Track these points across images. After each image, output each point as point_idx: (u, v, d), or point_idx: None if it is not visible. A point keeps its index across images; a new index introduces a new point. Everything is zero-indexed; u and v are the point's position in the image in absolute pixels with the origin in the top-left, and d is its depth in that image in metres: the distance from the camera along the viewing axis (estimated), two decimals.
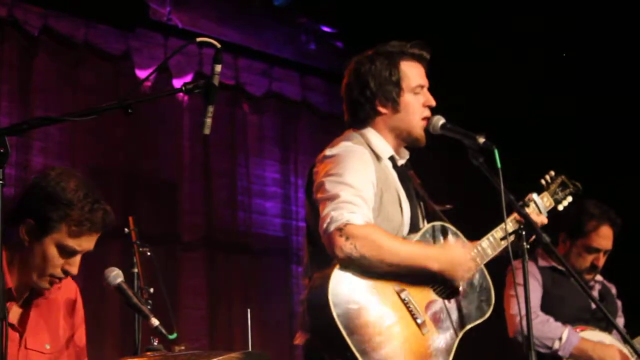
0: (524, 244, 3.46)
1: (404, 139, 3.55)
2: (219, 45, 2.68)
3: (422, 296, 3.33)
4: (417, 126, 3.52)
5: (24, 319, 3.12)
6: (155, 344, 3.04)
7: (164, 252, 5.66)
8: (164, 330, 3.03)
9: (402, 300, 3.28)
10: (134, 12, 5.77)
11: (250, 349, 3.51)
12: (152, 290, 3.40)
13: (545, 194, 3.94)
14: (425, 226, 3.49)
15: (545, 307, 4.76)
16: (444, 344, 3.35)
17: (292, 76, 6.76)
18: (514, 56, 6.43)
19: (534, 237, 3.52)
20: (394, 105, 3.48)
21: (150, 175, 5.92)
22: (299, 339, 3.36)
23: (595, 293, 4.93)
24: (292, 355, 5.81)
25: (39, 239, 3.03)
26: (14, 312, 3.09)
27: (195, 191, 6.10)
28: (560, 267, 4.81)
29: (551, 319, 4.69)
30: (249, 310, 3.66)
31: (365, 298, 3.20)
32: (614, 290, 5.11)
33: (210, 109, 2.71)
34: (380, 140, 3.49)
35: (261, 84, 6.57)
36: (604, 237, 4.88)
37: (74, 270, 3.10)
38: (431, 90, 3.56)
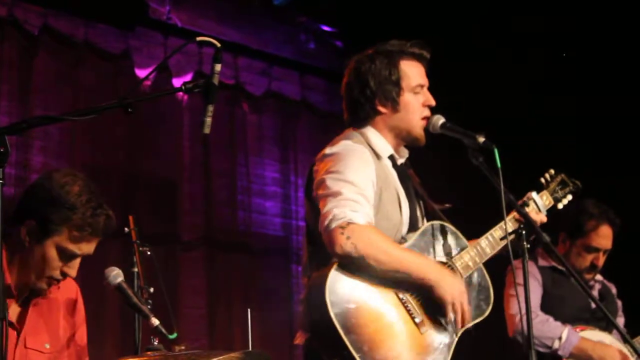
0: (524, 243, 3.46)
1: (404, 138, 3.55)
2: (218, 45, 2.68)
3: (420, 295, 3.32)
4: (416, 125, 3.52)
5: (22, 318, 3.12)
6: (156, 343, 3.04)
7: (164, 252, 5.65)
8: (164, 330, 3.03)
9: (400, 300, 3.27)
10: (134, 11, 5.77)
11: (250, 349, 3.50)
12: (152, 289, 3.40)
13: (545, 193, 3.94)
14: (424, 225, 3.49)
15: (546, 307, 4.75)
16: (443, 343, 3.35)
17: (292, 75, 6.76)
18: (514, 56, 6.43)
19: (533, 236, 3.52)
20: (394, 104, 3.48)
21: (150, 174, 5.92)
22: (299, 339, 3.36)
23: (595, 293, 4.93)
24: (292, 355, 5.81)
25: (40, 240, 3.03)
26: (13, 310, 3.09)
27: (195, 190, 6.10)
28: (560, 267, 4.81)
29: (551, 319, 4.69)
30: (249, 310, 3.65)
31: (363, 297, 3.20)
32: (614, 290, 5.11)
33: (210, 108, 2.71)
34: (380, 139, 3.49)
35: (261, 84, 6.57)
36: (604, 236, 4.88)
37: (73, 273, 3.10)
38: (431, 90, 3.56)
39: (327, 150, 3.40)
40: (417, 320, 3.29)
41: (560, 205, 4.01)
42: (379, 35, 3.67)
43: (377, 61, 3.49)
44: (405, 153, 3.60)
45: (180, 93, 2.83)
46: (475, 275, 3.52)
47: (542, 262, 4.92)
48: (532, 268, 4.82)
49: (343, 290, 3.16)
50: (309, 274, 3.35)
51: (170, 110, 6.02)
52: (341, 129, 3.57)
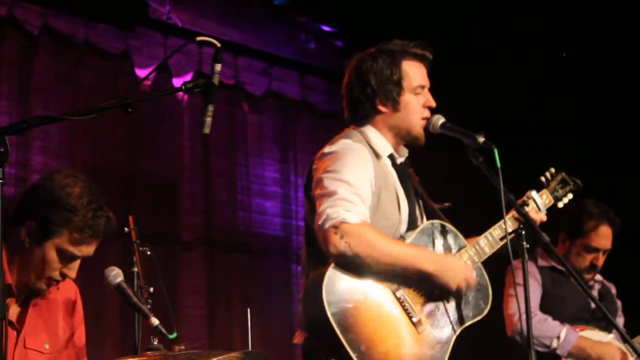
0: (524, 243, 3.46)
1: (403, 138, 3.55)
2: (218, 45, 2.68)
3: (418, 295, 3.33)
4: (416, 125, 3.52)
5: (22, 318, 3.12)
6: (155, 343, 3.04)
7: (164, 252, 5.65)
8: (163, 330, 3.03)
9: (398, 299, 3.28)
10: (134, 11, 5.77)
11: (250, 349, 3.50)
12: (152, 289, 3.40)
13: (545, 192, 3.94)
14: (423, 224, 3.49)
15: (545, 307, 4.75)
16: (441, 343, 3.35)
17: (292, 75, 6.76)
18: (514, 56, 6.43)
19: (532, 240, 3.52)
20: (394, 104, 3.49)
21: (150, 174, 5.92)
22: (298, 338, 3.36)
23: (594, 293, 4.93)
24: (291, 354, 5.81)
25: (40, 241, 3.03)
26: (13, 310, 3.09)
27: (195, 190, 6.10)
28: (559, 267, 4.81)
29: (549, 318, 4.69)
30: (248, 309, 3.65)
31: (360, 297, 3.20)
32: (613, 290, 5.11)
33: (210, 108, 2.71)
34: (380, 138, 3.49)
35: (261, 83, 6.57)
36: (603, 236, 4.88)
37: (72, 274, 3.11)
38: (431, 89, 3.56)
39: (326, 149, 3.40)
40: (414, 319, 3.29)
41: (560, 204, 4.01)
42: (379, 35, 3.67)
43: (380, 60, 3.49)
44: (404, 152, 3.60)
45: (180, 93, 2.84)
46: (474, 274, 3.52)
47: (541, 262, 4.92)
48: (532, 268, 4.82)
49: (340, 290, 3.16)
50: (307, 273, 3.35)
51: (170, 110, 6.02)
52: (341, 128, 3.57)
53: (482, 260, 3.54)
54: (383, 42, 3.56)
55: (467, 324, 3.45)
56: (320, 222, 3.19)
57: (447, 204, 3.64)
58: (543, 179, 3.98)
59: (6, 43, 5.31)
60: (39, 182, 3.14)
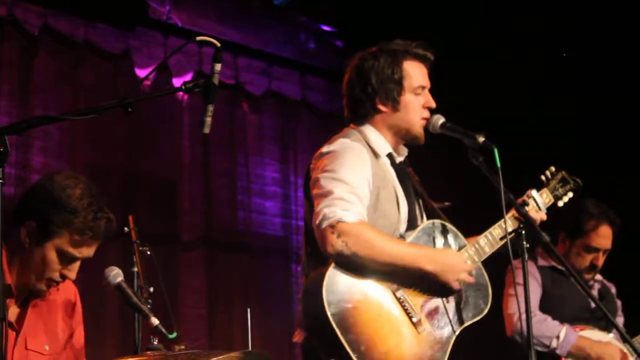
0: (524, 242, 3.46)
1: (403, 137, 3.55)
2: (218, 44, 2.68)
3: (417, 294, 3.32)
4: (416, 125, 3.52)
5: (21, 318, 3.12)
6: (155, 343, 3.04)
7: (164, 252, 5.65)
8: (163, 330, 3.03)
9: (398, 299, 3.28)
10: (134, 11, 5.77)
11: (250, 349, 3.50)
12: (151, 289, 3.40)
13: (545, 191, 3.93)
14: (423, 223, 3.49)
15: (545, 307, 4.75)
16: (441, 342, 3.35)
17: (292, 75, 6.76)
18: (514, 56, 6.43)
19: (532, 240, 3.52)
20: (394, 104, 3.49)
21: (150, 174, 5.92)
22: (298, 337, 3.36)
23: (594, 292, 4.93)
24: (291, 354, 5.80)
25: (40, 242, 3.03)
26: (12, 311, 3.09)
27: (195, 190, 6.10)
28: (559, 267, 4.81)
29: (549, 318, 4.69)
30: (248, 309, 3.65)
31: (360, 297, 3.20)
32: (613, 290, 5.11)
33: (210, 108, 2.71)
34: (379, 138, 3.49)
35: (261, 83, 6.57)
36: (603, 236, 4.88)
37: (72, 275, 3.11)
38: (431, 89, 3.56)
39: (324, 149, 3.40)
40: (414, 319, 3.29)
41: (560, 203, 4.00)
42: (378, 35, 3.67)
43: (381, 59, 3.49)
44: (404, 151, 3.60)
45: (180, 93, 2.85)
46: (474, 274, 3.52)
47: (541, 262, 4.92)
48: (532, 268, 4.82)
49: (340, 290, 3.16)
50: (307, 273, 3.35)
51: (170, 110, 6.02)
52: (341, 128, 3.57)
53: (482, 259, 3.53)
54: (384, 41, 3.56)
55: (467, 323, 3.45)
56: (317, 222, 3.19)
57: (447, 204, 3.64)
58: (543, 177, 3.98)
59: (6, 43, 5.31)
60: (39, 183, 3.14)
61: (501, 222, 3.52)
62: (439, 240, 3.47)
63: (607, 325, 4.72)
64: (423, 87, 3.53)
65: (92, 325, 3.48)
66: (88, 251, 3.08)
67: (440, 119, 3.54)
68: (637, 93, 6.31)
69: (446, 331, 3.38)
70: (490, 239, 3.55)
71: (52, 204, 3.01)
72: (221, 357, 2.82)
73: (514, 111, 6.55)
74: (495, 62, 6.37)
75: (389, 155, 3.51)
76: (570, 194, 4.03)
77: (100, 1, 5.64)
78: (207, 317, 6.00)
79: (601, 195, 4.98)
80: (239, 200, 6.29)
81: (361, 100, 3.50)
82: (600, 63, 6.38)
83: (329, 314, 3.09)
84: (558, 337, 4.63)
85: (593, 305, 4.66)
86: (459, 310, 3.44)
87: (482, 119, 4.04)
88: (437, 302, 3.38)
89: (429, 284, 3.32)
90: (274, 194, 6.54)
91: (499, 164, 3.32)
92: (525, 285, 3.38)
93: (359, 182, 3.28)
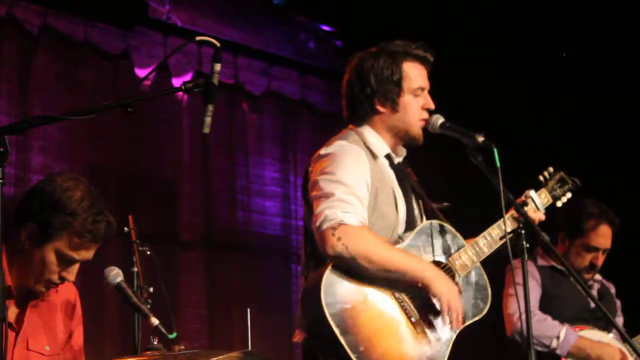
0: (524, 242, 3.46)
1: (402, 138, 3.54)
2: (218, 44, 2.68)
3: (416, 295, 3.32)
4: (414, 126, 3.51)
5: (20, 319, 3.12)
6: (155, 343, 3.04)
7: (164, 252, 5.65)
8: (163, 330, 3.03)
9: (397, 300, 3.27)
10: (134, 10, 5.77)
11: (250, 349, 3.50)
12: (151, 289, 3.40)
13: (543, 191, 3.93)
14: (422, 224, 3.49)
15: (545, 307, 4.75)
16: (440, 343, 3.34)
17: (292, 75, 6.76)
18: (514, 56, 6.43)
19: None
20: (393, 105, 3.48)
21: (149, 174, 5.92)
22: (298, 337, 3.36)
23: (594, 292, 4.93)
24: (291, 354, 5.81)
25: (40, 244, 3.03)
26: (11, 312, 3.09)
27: (195, 190, 6.10)
28: (559, 267, 4.81)
29: (549, 318, 4.69)
30: (248, 309, 3.65)
31: (359, 297, 3.19)
32: (612, 290, 5.11)
33: (210, 107, 2.71)
34: (377, 139, 3.48)
35: (260, 83, 6.57)
36: (603, 236, 4.88)
37: (71, 277, 3.11)
38: (431, 90, 3.55)
39: (322, 151, 3.40)
40: (413, 319, 3.28)
41: (559, 204, 4.00)
42: (378, 35, 3.66)
43: (380, 60, 3.48)
44: (403, 152, 3.59)
45: (180, 93, 2.84)
46: (473, 274, 3.52)
47: (541, 262, 4.92)
48: (531, 268, 4.82)
49: (339, 291, 3.16)
50: (307, 274, 3.35)
51: (170, 110, 6.02)
52: (340, 128, 3.57)
53: (480, 260, 3.53)
54: (384, 42, 3.55)
55: (467, 323, 3.44)
56: (317, 224, 3.19)
57: (446, 204, 3.64)
58: (541, 178, 3.97)
59: (6, 43, 5.31)
60: (39, 185, 3.14)
61: (500, 222, 3.51)
62: (437, 241, 3.47)
63: (606, 325, 4.72)
64: (422, 89, 3.52)
65: (92, 325, 3.48)
66: (87, 254, 3.09)
67: (439, 119, 3.53)
68: (637, 93, 6.31)
69: (446, 331, 3.37)
70: (490, 240, 3.54)
71: (52, 206, 3.01)
72: (221, 357, 2.82)
73: (514, 111, 6.54)
74: (495, 62, 6.37)
75: (388, 156, 3.51)
76: (569, 195, 4.03)
77: (100, 1, 5.64)
78: (207, 317, 6.00)
79: (601, 195, 4.98)
80: (238, 200, 6.29)
81: (360, 101, 3.50)
82: (600, 63, 6.38)
83: (327, 314, 3.09)
84: (558, 337, 4.63)
85: (593, 305, 4.66)
86: None
87: (482, 119, 4.04)
88: (436, 302, 3.37)
89: (423, 291, 3.30)
90: (274, 194, 6.54)
91: (498, 164, 3.31)
92: (525, 285, 3.38)
93: (358, 183, 3.28)
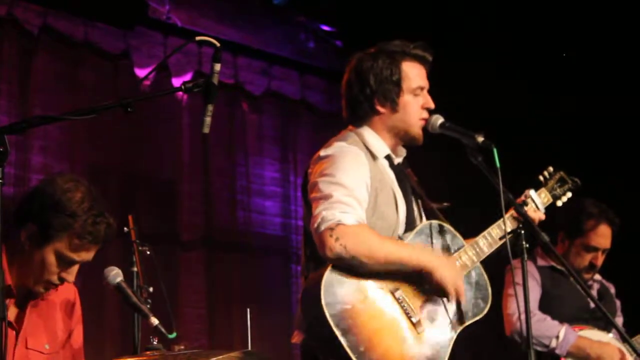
0: (523, 242, 3.46)
1: (402, 138, 3.54)
2: (218, 44, 2.68)
3: (417, 295, 3.32)
4: (414, 126, 3.51)
5: (20, 318, 3.13)
6: (155, 343, 3.04)
7: (164, 251, 5.65)
8: (163, 330, 3.03)
9: (397, 300, 3.27)
10: (134, 10, 5.77)
11: (249, 349, 3.50)
12: (151, 289, 3.40)
13: (543, 190, 3.93)
14: (421, 224, 3.49)
15: (545, 307, 4.75)
16: (441, 342, 3.34)
17: (292, 75, 6.76)
18: (514, 56, 6.43)
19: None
20: (393, 105, 3.48)
21: (149, 174, 5.92)
22: (296, 338, 3.36)
23: (594, 292, 4.93)
24: (291, 354, 5.80)
25: (39, 245, 3.04)
26: (11, 311, 3.10)
27: (195, 190, 6.10)
28: (559, 267, 4.81)
29: (548, 318, 4.69)
30: (248, 309, 3.65)
31: (359, 298, 3.19)
32: (612, 290, 5.11)
33: (210, 107, 2.71)
34: (377, 140, 3.48)
35: (260, 83, 6.57)
36: (603, 236, 4.88)
37: (71, 278, 3.12)
38: (431, 89, 3.55)
39: (321, 153, 3.40)
40: (414, 320, 3.28)
41: (559, 203, 4.00)
42: (378, 35, 3.66)
43: (380, 60, 3.48)
44: (402, 152, 3.59)
45: (180, 93, 2.84)
46: (473, 273, 3.52)
47: (541, 262, 4.92)
48: (531, 268, 4.82)
49: (339, 291, 3.15)
50: (306, 274, 3.35)
51: (169, 110, 6.02)
52: (340, 128, 3.57)
53: (480, 260, 3.53)
54: (383, 42, 3.55)
55: (467, 323, 3.44)
56: (315, 225, 3.19)
57: (445, 204, 3.64)
58: (541, 177, 3.97)
59: (6, 43, 5.31)
60: (40, 185, 3.14)
61: (500, 222, 3.51)
62: (437, 241, 3.47)
63: (606, 325, 4.72)
64: (422, 88, 3.52)
65: (92, 325, 3.49)
66: (87, 255, 3.09)
67: (439, 119, 3.53)
68: (637, 93, 6.31)
69: (446, 331, 3.37)
70: (489, 240, 3.54)
71: (52, 208, 3.01)
72: (221, 357, 2.82)
73: (514, 111, 6.55)
74: (495, 62, 6.37)
75: (387, 157, 3.50)
76: (569, 194, 4.02)
77: (100, 1, 5.64)
78: (206, 317, 6.00)
79: (601, 195, 4.98)
80: (238, 200, 6.29)
81: (359, 101, 3.50)
82: (600, 63, 6.38)
83: (327, 315, 3.09)
84: (557, 337, 4.63)
85: (592, 305, 4.66)
86: (459, 310, 3.43)
87: (482, 119, 4.05)
88: (436, 302, 3.37)
89: (428, 284, 3.32)
90: (274, 194, 6.54)
91: (498, 164, 3.31)
92: (525, 285, 3.38)
93: (357, 185, 3.28)
